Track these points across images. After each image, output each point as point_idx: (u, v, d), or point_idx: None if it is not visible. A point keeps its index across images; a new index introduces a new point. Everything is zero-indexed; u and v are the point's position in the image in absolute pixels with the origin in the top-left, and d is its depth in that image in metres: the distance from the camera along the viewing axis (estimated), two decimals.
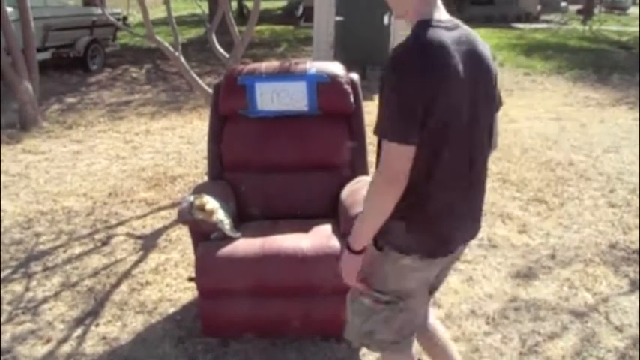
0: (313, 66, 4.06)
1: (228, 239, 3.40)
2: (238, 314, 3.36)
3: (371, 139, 4.83)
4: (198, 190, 3.81)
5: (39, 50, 10.32)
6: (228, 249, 3.31)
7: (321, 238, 3.37)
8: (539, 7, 24.92)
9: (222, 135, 4.05)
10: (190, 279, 3.75)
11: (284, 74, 4.01)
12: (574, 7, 27.90)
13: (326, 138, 3.85)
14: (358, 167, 3.97)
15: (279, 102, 3.91)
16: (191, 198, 3.40)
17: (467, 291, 4.10)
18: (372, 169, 4.38)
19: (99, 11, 12.08)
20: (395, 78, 2.00)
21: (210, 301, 3.44)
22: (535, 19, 23.97)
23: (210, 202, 3.36)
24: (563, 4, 29.15)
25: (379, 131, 2.05)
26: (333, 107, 3.99)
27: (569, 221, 5.24)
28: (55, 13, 12.65)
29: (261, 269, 3.25)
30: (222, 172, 4.01)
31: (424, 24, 2.05)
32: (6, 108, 9.47)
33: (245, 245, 3.35)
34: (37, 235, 5.07)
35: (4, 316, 3.84)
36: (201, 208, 3.33)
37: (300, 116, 3.97)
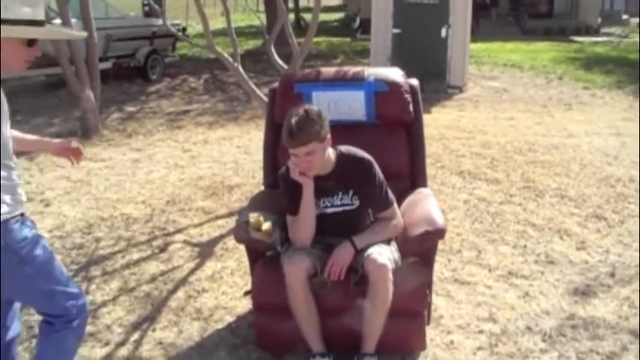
0: (372, 73, 3.98)
1: None
2: (294, 331, 3.27)
3: (429, 151, 4.81)
4: (254, 201, 3.81)
5: (100, 60, 10.54)
6: None
7: None
8: (599, 20, 24.44)
9: (278, 142, 3.92)
10: (246, 293, 3.72)
11: (341, 83, 3.97)
12: (636, 20, 27.28)
13: (385, 148, 3.75)
14: (417, 178, 3.93)
15: (337, 111, 3.84)
16: (247, 217, 3.34)
17: (523, 307, 4.04)
18: (430, 182, 4.37)
19: (159, 22, 12.37)
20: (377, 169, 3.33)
21: (266, 318, 3.45)
22: (595, 32, 23.49)
23: (267, 222, 3.31)
24: (625, 16, 28.56)
25: (388, 204, 3.38)
26: (392, 116, 3.96)
27: (629, 239, 5.12)
28: (117, 24, 12.94)
29: None
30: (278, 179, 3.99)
31: None
32: (68, 116, 9.72)
33: None
34: (97, 240, 5.18)
35: None
36: (258, 228, 3.28)
37: (358, 125, 3.92)
